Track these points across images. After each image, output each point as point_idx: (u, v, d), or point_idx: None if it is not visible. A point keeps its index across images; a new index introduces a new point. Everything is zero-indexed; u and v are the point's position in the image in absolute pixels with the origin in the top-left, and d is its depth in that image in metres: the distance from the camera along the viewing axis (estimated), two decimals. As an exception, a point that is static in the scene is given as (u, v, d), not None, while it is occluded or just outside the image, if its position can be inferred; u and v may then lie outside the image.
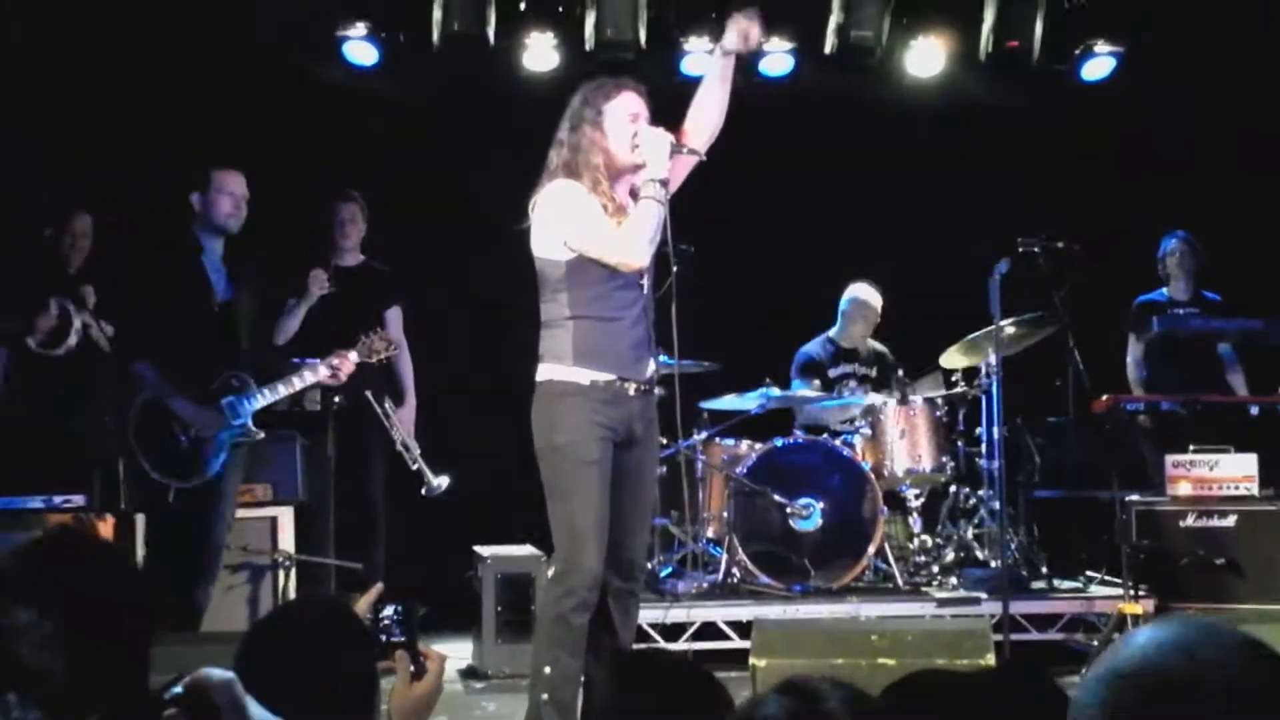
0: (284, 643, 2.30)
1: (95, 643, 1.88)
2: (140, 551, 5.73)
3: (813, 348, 7.49)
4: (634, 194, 4.25)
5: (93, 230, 6.13)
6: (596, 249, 4.14)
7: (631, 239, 4.13)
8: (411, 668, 2.49)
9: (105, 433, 6.00)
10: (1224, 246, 7.34)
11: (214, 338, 5.29)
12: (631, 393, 4.19)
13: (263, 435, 5.31)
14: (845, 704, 1.48)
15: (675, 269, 4.26)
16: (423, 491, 5.84)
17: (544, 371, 4.21)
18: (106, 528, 5.43)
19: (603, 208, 4.15)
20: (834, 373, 7.40)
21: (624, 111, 4.23)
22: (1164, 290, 7.36)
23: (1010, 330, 6.49)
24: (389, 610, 2.52)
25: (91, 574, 2.02)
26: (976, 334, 6.65)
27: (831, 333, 7.51)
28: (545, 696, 4.08)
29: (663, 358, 4.48)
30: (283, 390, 5.27)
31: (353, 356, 5.23)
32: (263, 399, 5.28)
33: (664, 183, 4.16)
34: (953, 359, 6.94)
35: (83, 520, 5.40)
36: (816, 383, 7.31)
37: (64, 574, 2.00)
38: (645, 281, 4.29)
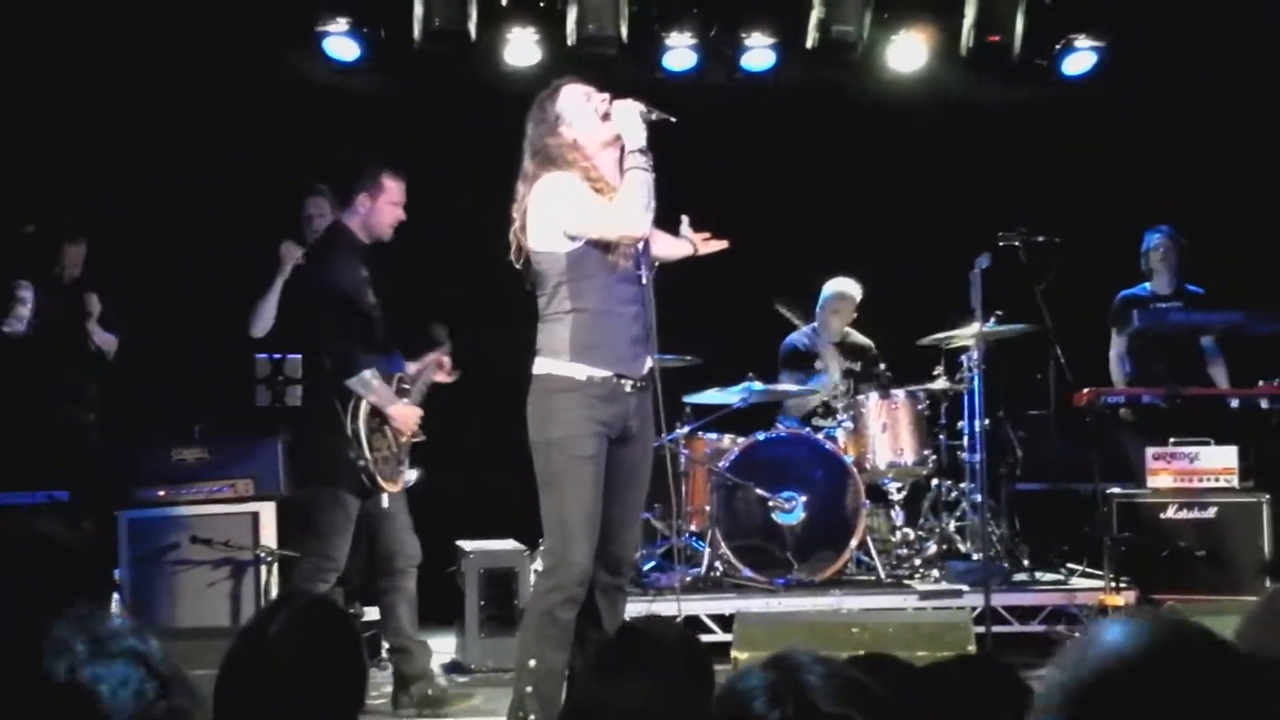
0: (274, 641, 2.31)
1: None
2: (125, 549, 5.75)
3: (797, 339, 7.53)
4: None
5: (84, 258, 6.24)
6: (597, 228, 4.15)
7: (627, 209, 4.14)
8: None
9: (82, 431, 6.03)
10: (1207, 240, 7.37)
11: (381, 340, 5.25)
12: (628, 389, 4.19)
13: (423, 438, 5.31)
14: (824, 678, 1.49)
15: (655, 266, 4.28)
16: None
17: (540, 365, 4.21)
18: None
19: (598, 191, 4.18)
20: (819, 365, 7.42)
21: (573, 100, 4.27)
22: (1147, 285, 7.39)
23: (992, 329, 6.50)
24: None
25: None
26: (954, 332, 6.68)
27: (815, 325, 7.54)
28: (529, 689, 4.09)
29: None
30: (423, 387, 5.36)
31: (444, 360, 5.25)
32: (420, 395, 5.34)
33: (644, 150, 4.18)
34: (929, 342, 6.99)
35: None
36: (800, 375, 7.33)
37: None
38: (645, 275, 4.28)
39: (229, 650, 2.28)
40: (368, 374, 5.08)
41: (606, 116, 4.24)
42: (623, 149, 4.22)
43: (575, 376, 4.13)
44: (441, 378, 5.42)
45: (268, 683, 2.25)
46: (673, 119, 4.30)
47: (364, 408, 5.10)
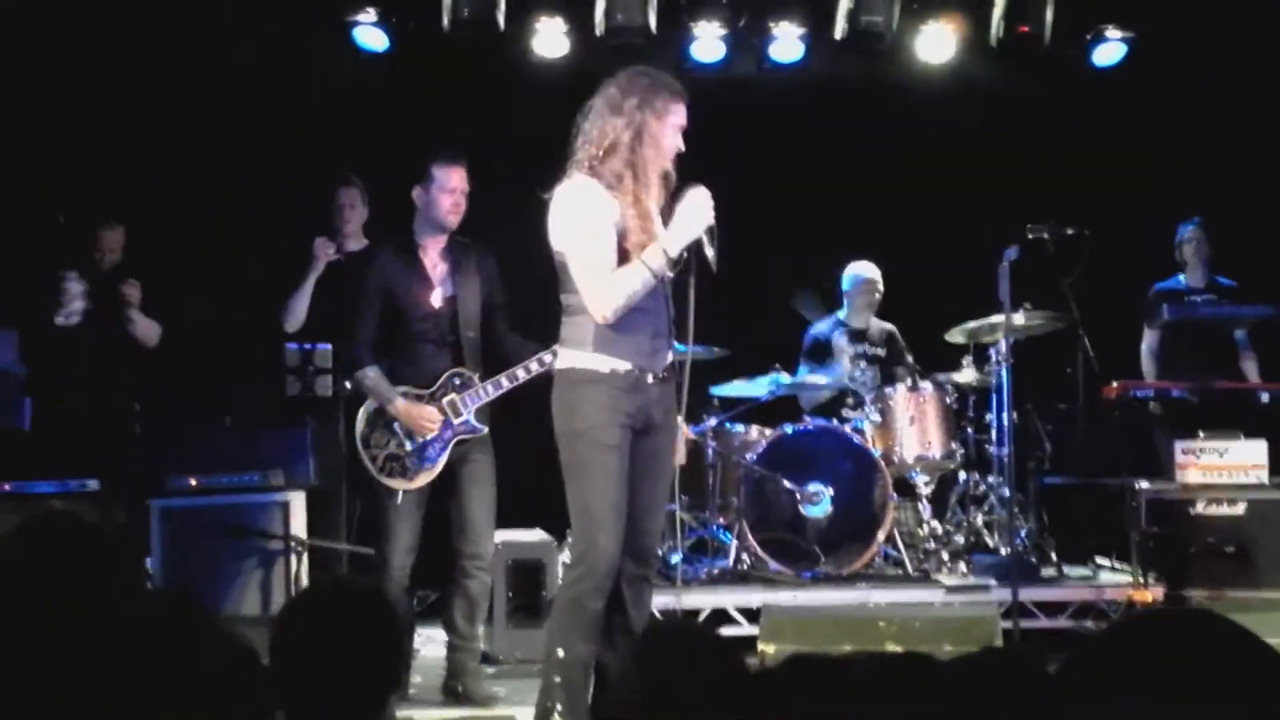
0: (316, 625, 2.36)
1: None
2: (156, 538, 5.80)
3: (822, 328, 7.52)
4: (666, 182, 4.21)
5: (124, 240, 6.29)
6: (578, 275, 4.10)
7: (612, 293, 4.07)
8: None
9: (126, 419, 6.08)
10: (1240, 232, 7.32)
11: (437, 336, 5.19)
12: (650, 381, 4.20)
13: (484, 430, 5.20)
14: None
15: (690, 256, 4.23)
16: None
17: (564, 358, 4.22)
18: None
19: (625, 218, 4.08)
20: (844, 352, 7.39)
21: (679, 121, 4.17)
22: (1180, 277, 7.35)
23: (1020, 321, 6.48)
24: None
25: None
26: (981, 321, 6.66)
27: (840, 314, 7.53)
28: (557, 679, 4.11)
29: (676, 344, 4.47)
30: (507, 384, 5.11)
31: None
32: (485, 394, 5.17)
33: (672, 259, 4.08)
34: (955, 338, 6.96)
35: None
36: (819, 367, 7.32)
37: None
38: (669, 271, 4.27)
39: (271, 632, 2.35)
40: (369, 371, 5.13)
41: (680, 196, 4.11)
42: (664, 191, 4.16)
43: (599, 369, 4.14)
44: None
45: (309, 664, 2.31)
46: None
47: (368, 405, 5.18)
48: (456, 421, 5.19)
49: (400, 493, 5.17)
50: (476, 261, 5.34)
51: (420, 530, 5.25)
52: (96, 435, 6.03)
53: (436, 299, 5.22)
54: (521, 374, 5.10)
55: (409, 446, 5.18)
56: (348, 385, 5.52)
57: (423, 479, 5.19)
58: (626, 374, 4.14)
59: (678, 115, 4.18)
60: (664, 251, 4.06)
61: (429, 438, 5.16)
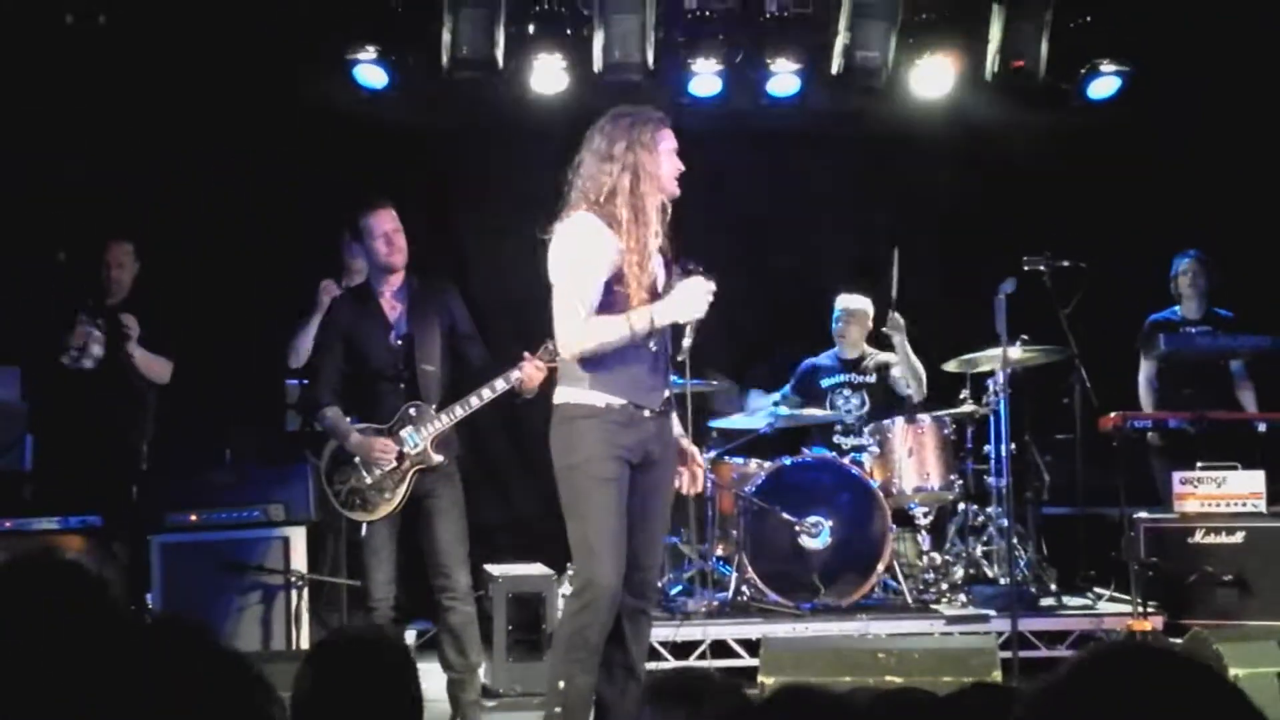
0: (336, 671, 2.39)
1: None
2: (157, 573, 5.81)
3: (818, 359, 7.55)
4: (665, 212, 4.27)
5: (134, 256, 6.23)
6: (557, 310, 4.19)
7: (582, 338, 4.16)
8: None
9: (133, 457, 6.06)
10: (1234, 262, 7.36)
11: (394, 374, 5.31)
12: (646, 415, 4.23)
13: (441, 460, 5.28)
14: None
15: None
16: None
17: (561, 394, 4.26)
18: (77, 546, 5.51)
19: (623, 252, 4.14)
20: (827, 382, 7.43)
21: (670, 147, 4.25)
22: (1176, 309, 7.39)
23: (1016, 355, 6.51)
24: None
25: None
26: (977, 354, 6.69)
27: (836, 349, 7.56)
28: (558, 710, 4.13)
29: (674, 378, 4.51)
30: (461, 412, 5.23)
31: (538, 363, 5.20)
32: (441, 424, 5.26)
33: (655, 329, 4.18)
34: (951, 367, 6.99)
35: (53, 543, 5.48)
36: (797, 399, 7.35)
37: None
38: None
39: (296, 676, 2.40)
40: (327, 411, 5.31)
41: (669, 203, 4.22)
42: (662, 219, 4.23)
43: (594, 404, 4.19)
44: (531, 382, 5.20)
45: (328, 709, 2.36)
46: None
47: (331, 443, 5.37)
48: (413, 453, 5.26)
49: (364, 525, 5.27)
50: (435, 297, 5.45)
51: (395, 563, 5.32)
52: (99, 473, 6.00)
53: (393, 338, 5.35)
54: (475, 401, 5.22)
55: (368, 480, 5.28)
56: (318, 426, 5.59)
57: (383, 510, 5.27)
58: (621, 409, 4.18)
59: (667, 141, 4.26)
60: (651, 320, 4.15)
61: (386, 469, 5.25)
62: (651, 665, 4.98)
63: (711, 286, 4.19)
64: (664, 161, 4.21)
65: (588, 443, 4.17)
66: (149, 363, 6.17)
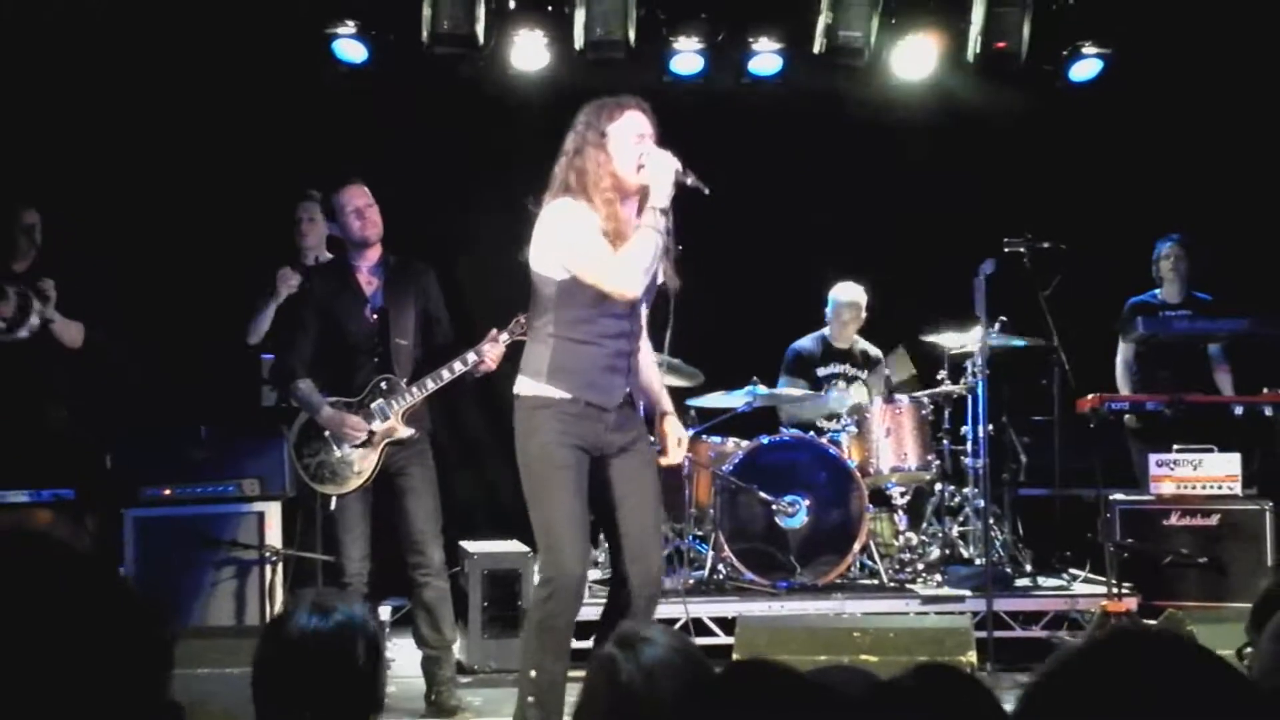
0: (294, 660, 2.38)
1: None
2: (130, 548, 5.77)
3: (805, 344, 7.54)
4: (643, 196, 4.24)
5: (41, 228, 5.90)
6: (592, 275, 4.13)
7: (626, 268, 4.10)
8: None
9: (83, 426, 5.95)
10: (1215, 245, 7.37)
11: (368, 347, 5.33)
12: (602, 411, 4.21)
13: (410, 433, 5.29)
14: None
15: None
16: None
17: (520, 384, 4.25)
18: (47, 519, 5.44)
19: (606, 232, 4.12)
20: (823, 371, 7.44)
21: (629, 132, 4.19)
22: (1156, 292, 7.40)
23: (995, 340, 6.51)
24: None
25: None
26: (957, 334, 6.70)
27: (825, 332, 7.56)
28: (531, 699, 4.13)
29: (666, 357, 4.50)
30: (431, 385, 5.25)
31: (503, 339, 5.18)
32: (411, 397, 5.28)
33: (665, 211, 4.13)
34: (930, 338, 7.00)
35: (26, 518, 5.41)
36: (802, 381, 7.37)
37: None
38: (642, 310, 4.32)
39: (256, 652, 2.41)
40: (300, 384, 5.32)
41: (641, 168, 4.16)
42: (643, 199, 4.18)
43: (550, 395, 4.18)
44: (489, 359, 5.25)
45: (282, 683, 2.37)
46: (706, 190, 4.20)
47: (302, 415, 5.39)
48: (382, 426, 5.27)
49: (334, 499, 5.28)
50: (412, 276, 5.48)
51: (369, 539, 5.33)
52: (33, 445, 5.82)
53: (368, 311, 5.37)
54: (446, 374, 5.25)
55: (338, 453, 5.30)
56: (291, 400, 5.58)
57: (353, 484, 5.29)
58: (573, 402, 4.16)
59: (628, 115, 4.21)
60: (656, 210, 4.11)
61: (356, 443, 5.26)
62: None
63: (659, 149, 4.16)
64: (625, 127, 4.18)
65: (543, 432, 4.16)
66: (64, 328, 5.82)
